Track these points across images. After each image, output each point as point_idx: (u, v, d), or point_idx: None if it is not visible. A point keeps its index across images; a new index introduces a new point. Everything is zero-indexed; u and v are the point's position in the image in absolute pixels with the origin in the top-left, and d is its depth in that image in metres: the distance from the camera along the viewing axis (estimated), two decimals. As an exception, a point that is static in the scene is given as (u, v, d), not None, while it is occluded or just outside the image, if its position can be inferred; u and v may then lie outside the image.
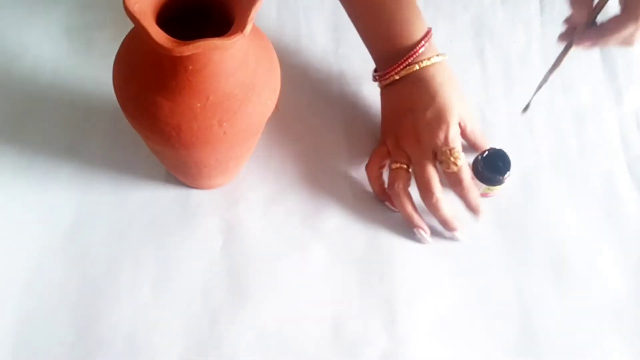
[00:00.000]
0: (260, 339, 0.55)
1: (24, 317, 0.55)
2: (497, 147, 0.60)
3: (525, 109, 0.58)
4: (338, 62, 0.69)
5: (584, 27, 0.49)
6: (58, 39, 0.68)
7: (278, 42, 0.70)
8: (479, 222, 0.59)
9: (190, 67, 0.43)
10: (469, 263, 0.60)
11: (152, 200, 0.61)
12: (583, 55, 0.72)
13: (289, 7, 0.72)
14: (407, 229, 0.61)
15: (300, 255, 0.59)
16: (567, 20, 0.51)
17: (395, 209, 0.61)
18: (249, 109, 0.47)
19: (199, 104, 0.45)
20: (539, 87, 0.56)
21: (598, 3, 0.48)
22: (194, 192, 0.61)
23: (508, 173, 0.59)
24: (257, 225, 0.60)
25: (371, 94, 0.68)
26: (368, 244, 0.60)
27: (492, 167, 0.59)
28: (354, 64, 0.69)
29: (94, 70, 0.66)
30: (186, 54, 0.39)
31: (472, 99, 0.68)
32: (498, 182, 0.60)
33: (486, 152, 0.60)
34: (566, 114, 0.68)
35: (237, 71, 0.45)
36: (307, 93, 0.67)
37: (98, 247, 0.58)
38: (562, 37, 0.52)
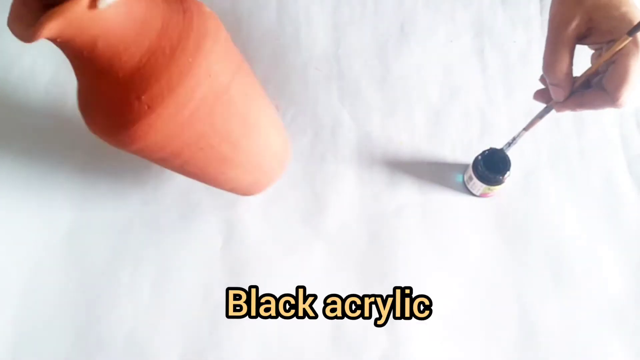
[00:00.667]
0: (260, 338, 0.55)
1: (24, 317, 0.55)
2: (497, 147, 0.60)
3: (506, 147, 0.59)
4: (338, 62, 0.69)
5: (564, 101, 0.49)
6: (58, 39, 0.68)
7: (278, 42, 0.70)
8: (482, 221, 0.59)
9: (85, 53, 0.41)
10: (469, 263, 0.60)
11: (152, 200, 0.61)
12: (583, 55, 0.72)
13: (289, 7, 0.72)
14: (407, 230, 0.61)
15: (300, 255, 0.59)
16: (541, 93, 0.51)
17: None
18: (174, 78, 0.43)
19: (109, 81, 0.43)
20: (514, 139, 0.57)
21: (581, 80, 0.48)
22: (194, 192, 0.61)
23: (508, 173, 0.59)
24: (257, 225, 0.60)
25: (371, 94, 0.68)
26: (368, 244, 0.60)
27: (492, 167, 0.59)
28: (354, 64, 0.69)
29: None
30: (38, 37, 0.37)
31: (472, 99, 0.68)
32: (498, 182, 0.60)
33: (486, 152, 0.60)
34: (566, 114, 0.68)
35: (137, 40, 0.42)
36: (307, 93, 0.67)
37: (98, 247, 0.58)
38: (538, 96, 0.51)
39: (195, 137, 0.47)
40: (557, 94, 0.49)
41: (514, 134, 0.57)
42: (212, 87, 0.45)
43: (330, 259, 0.59)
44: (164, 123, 0.44)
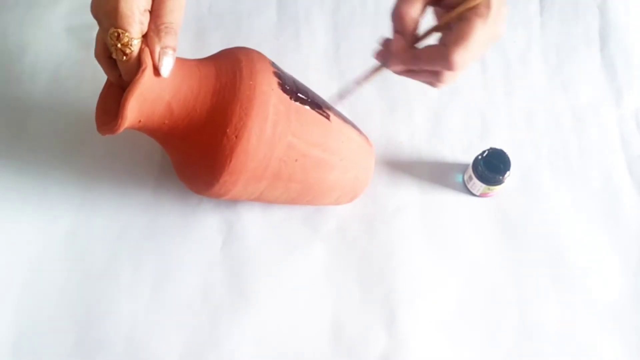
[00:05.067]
0: (260, 338, 0.55)
1: (24, 317, 0.55)
2: (497, 147, 0.60)
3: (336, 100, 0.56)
4: (338, 62, 0.69)
5: (401, 52, 0.47)
6: (58, 39, 0.68)
7: (278, 42, 0.70)
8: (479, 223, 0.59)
9: (167, 122, 0.47)
10: (469, 263, 0.60)
11: (152, 200, 0.61)
12: (583, 55, 0.72)
13: (289, 7, 0.72)
14: (407, 230, 0.61)
15: (300, 255, 0.59)
16: (385, 44, 0.48)
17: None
18: (245, 101, 0.47)
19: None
20: (341, 96, 0.55)
21: (420, 35, 0.47)
22: (194, 193, 0.61)
23: (508, 173, 0.59)
24: (257, 225, 0.60)
25: (371, 94, 0.68)
26: (368, 244, 0.60)
27: (492, 167, 0.59)
28: (354, 64, 0.69)
29: (94, 70, 0.66)
30: (124, 119, 0.44)
31: (472, 99, 0.68)
32: (498, 182, 0.60)
33: (486, 152, 0.60)
34: (566, 113, 0.68)
35: (201, 86, 0.48)
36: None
37: (98, 247, 0.58)
38: (377, 56, 0.49)
39: (285, 149, 0.50)
40: (397, 43, 0.46)
41: (346, 86, 0.54)
42: (280, 98, 0.49)
43: (330, 259, 0.59)
44: (255, 145, 0.47)
